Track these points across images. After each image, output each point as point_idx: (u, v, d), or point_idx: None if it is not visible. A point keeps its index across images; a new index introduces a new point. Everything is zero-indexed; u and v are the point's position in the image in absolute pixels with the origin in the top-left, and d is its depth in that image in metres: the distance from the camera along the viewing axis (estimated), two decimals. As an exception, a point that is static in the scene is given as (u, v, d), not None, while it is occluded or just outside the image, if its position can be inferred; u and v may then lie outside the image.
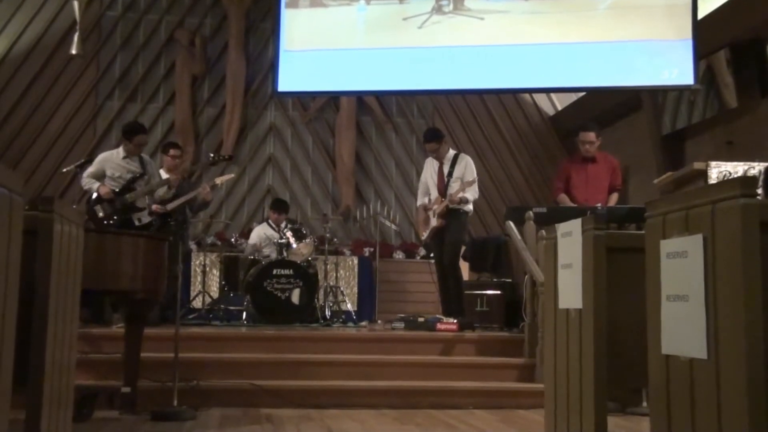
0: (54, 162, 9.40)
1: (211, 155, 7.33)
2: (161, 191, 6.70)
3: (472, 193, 6.82)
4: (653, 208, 2.25)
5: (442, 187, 6.87)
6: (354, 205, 9.97)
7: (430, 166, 7.04)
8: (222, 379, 4.97)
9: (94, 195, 6.43)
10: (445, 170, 6.90)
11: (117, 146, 7.16)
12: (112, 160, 6.55)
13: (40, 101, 9.57)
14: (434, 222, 6.79)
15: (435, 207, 6.84)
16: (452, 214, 6.75)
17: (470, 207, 6.89)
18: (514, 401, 4.98)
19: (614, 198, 6.78)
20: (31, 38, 9.63)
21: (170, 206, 6.72)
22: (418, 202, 7.20)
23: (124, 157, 6.54)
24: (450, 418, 4.49)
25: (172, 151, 7.20)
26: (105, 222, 6.33)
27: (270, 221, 8.01)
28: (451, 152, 7.03)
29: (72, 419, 3.05)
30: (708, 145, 7.56)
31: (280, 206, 8.12)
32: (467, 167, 6.88)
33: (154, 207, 6.64)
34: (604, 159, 6.85)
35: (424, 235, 6.99)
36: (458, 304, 6.68)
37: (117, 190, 6.43)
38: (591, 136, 6.80)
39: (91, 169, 6.55)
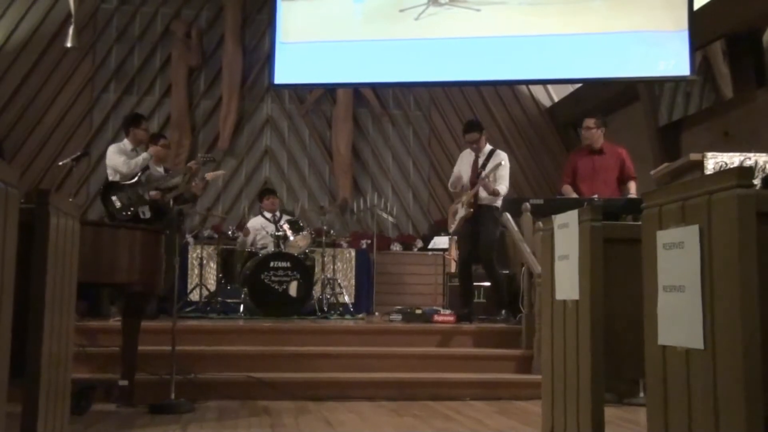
0: (50, 155, 9.38)
1: (200, 155, 7.27)
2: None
3: (503, 186, 6.54)
4: (650, 199, 2.25)
5: (475, 180, 6.61)
6: (351, 197, 9.96)
7: (467, 158, 6.81)
8: (219, 371, 4.97)
9: (115, 180, 6.42)
10: (480, 163, 6.68)
11: (117, 140, 7.30)
12: (126, 149, 6.62)
13: (36, 94, 9.55)
14: (462, 212, 6.60)
15: (464, 198, 6.66)
16: (484, 211, 6.52)
17: (499, 202, 6.58)
18: (511, 392, 5.00)
19: (632, 187, 6.53)
20: (26, 31, 9.59)
21: (168, 196, 6.73)
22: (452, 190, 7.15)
23: (132, 149, 6.64)
24: (447, 410, 4.50)
25: (162, 141, 7.16)
26: (123, 213, 6.34)
27: (264, 212, 8.01)
28: (488, 147, 6.77)
29: (69, 412, 3.05)
30: (704, 136, 7.57)
31: (266, 191, 8.19)
32: (501, 162, 6.60)
33: (152, 194, 6.59)
34: (611, 150, 6.63)
35: (452, 227, 6.82)
36: (498, 301, 6.55)
37: (134, 180, 6.50)
38: (589, 122, 6.65)
39: (123, 156, 6.53)
